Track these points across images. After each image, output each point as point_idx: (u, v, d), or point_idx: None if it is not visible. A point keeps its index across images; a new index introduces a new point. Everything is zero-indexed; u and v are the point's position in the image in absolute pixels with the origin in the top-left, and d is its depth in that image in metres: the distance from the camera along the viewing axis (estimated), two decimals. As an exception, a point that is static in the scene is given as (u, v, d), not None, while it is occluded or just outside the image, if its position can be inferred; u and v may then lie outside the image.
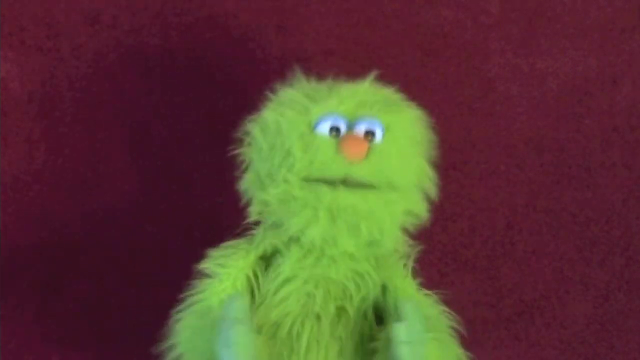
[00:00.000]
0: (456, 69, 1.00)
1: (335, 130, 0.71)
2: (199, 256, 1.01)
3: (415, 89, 1.00)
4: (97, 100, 0.99)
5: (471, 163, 1.00)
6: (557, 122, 1.01)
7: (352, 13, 1.00)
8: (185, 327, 0.72)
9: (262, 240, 0.75)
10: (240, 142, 0.76)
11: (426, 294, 0.75)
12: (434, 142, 0.76)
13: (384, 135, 0.71)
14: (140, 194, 0.99)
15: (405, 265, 0.75)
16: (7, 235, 0.98)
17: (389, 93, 0.76)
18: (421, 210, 0.75)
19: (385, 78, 1.02)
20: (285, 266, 0.73)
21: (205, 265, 0.74)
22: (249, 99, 0.99)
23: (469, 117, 1.00)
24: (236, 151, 0.76)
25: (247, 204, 0.75)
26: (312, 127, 0.71)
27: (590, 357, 1.01)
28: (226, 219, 0.99)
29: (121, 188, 0.99)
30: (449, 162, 1.00)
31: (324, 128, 0.70)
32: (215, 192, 0.99)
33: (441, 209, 1.00)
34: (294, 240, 0.73)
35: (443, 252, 1.00)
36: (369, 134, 0.71)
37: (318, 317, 0.72)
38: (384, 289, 0.74)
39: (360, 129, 0.71)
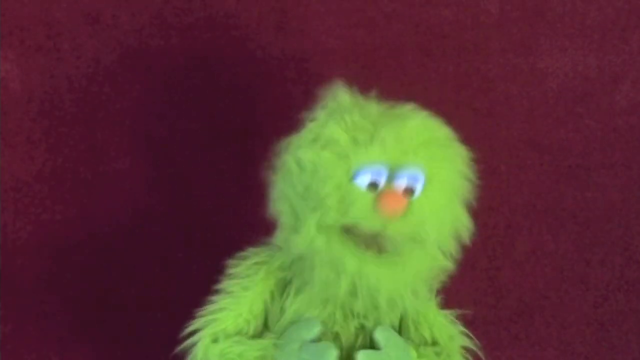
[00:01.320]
0: (456, 69, 1.00)
1: (373, 184, 0.68)
2: (199, 256, 1.01)
3: (415, 89, 1.01)
4: (97, 100, 0.99)
5: (471, 163, 1.00)
6: (557, 122, 1.01)
7: (352, 13, 1.00)
8: (213, 351, 0.71)
9: (282, 264, 0.73)
10: (272, 166, 0.72)
11: (445, 315, 0.75)
12: (473, 182, 0.74)
13: (424, 187, 0.69)
14: (140, 194, 0.99)
15: (428, 287, 0.74)
16: (7, 235, 0.98)
17: (435, 132, 0.73)
18: (445, 263, 0.73)
19: (385, 78, 1.02)
20: (305, 295, 0.72)
21: (225, 285, 0.73)
22: (249, 99, 1.00)
23: (469, 117, 1.00)
24: (267, 174, 0.72)
25: (275, 227, 0.72)
26: (351, 177, 0.67)
27: (590, 357, 1.01)
28: (226, 219, 0.99)
29: (121, 188, 0.99)
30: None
31: (363, 181, 0.67)
32: (215, 192, 0.99)
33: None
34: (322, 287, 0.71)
35: (443, 252, 1.00)
36: (409, 190, 0.68)
37: (337, 336, 0.71)
38: (403, 314, 0.74)
39: (401, 183, 0.68)
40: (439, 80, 1.00)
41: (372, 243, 0.68)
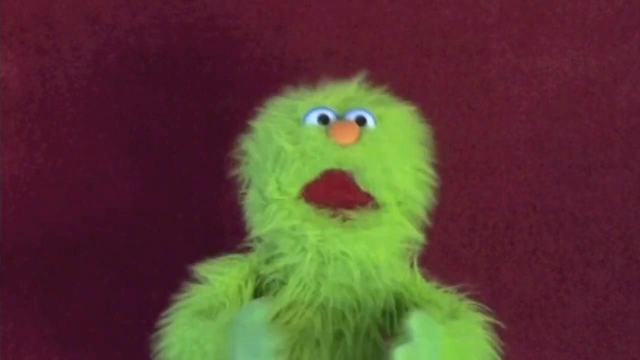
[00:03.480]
0: (456, 69, 1.00)
1: (324, 119, 0.69)
2: (199, 256, 1.01)
3: (415, 89, 1.01)
4: (97, 100, 0.99)
5: (471, 163, 1.00)
6: (557, 122, 1.01)
7: (352, 13, 1.00)
8: (178, 329, 0.71)
9: (257, 255, 0.74)
10: (237, 162, 0.74)
11: (446, 292, 0.73)
12: (430, 143, 0.74)
13: (376, 124, 0.69)
14: (140, 194, 0.99)
15: (415, 269, 0.74)
16: (7, 235, 0.98)
17: (379, 93, 0.74)
18: (418, 234, 0.72)
19: (385, 78, 1.02)
20: (285, 295, 0.71)
21: (200, 271, 0.73)
22: (248, 99, 1.00)
23: (469, 117, 1.00)
24: (235, 172, 0.75)
25: (247, 223, 0.73)
26: (301, 122, 0.69)
27: (590, 357, 1.01)
28: (226, 219, 0.99)
29: (121, 188, 0.99)
30: (449, 162, 1.00)
31: (312, 119, 0.68)
32: (215, 192, 0.99)
33: (441, 209, 1.01)
34: (290, 269, 0.71)
35: (443, 252, 1.00)
36: (360, 120, 0.69)
37: (317, 343, 0.70)
38: (398, 298, 0.73)
39: (350, 116, 0.69)
40: (439, 80, 1.00)
41: (335, 213, 0.68)
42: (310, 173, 0.68)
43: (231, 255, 0.75)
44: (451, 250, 1.00)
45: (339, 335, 0.71)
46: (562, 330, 1.01)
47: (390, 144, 0.69)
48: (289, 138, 0.68)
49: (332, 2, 1.00)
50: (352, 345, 0.71)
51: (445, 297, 0.73)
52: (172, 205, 0.99)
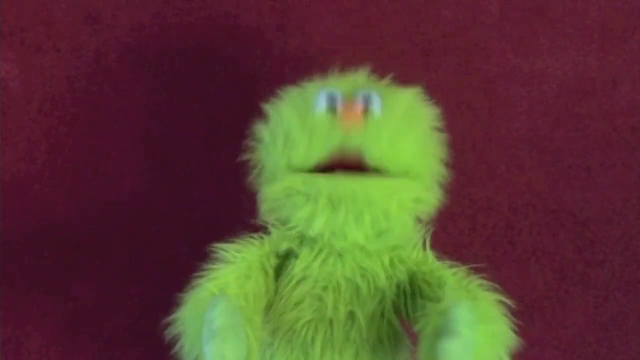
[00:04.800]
0: (456, 69, 1.00)
1: (332, 106, 0.70)
2: (200, 255, 1.01)
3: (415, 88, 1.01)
4: (97, 100, 0.99)
5: (471, 163, 1.00)
6: (557, 122, 1.01)
7: (352, 13, 1.00)
8: (188, 307, 0.70)
9: (275, 236, 0.75)
10: (250, 149, 0.77)
11: (455, 272, 0.73)
12: (439, 121, 0.76)
13: (383, 107, 0.70)
14: (140, 194, 0.99)
15: (427, 247, 0.75)
16: (7, 235, 0.98)
17: (385, 83, 0.77)
18: (430, 197, 0.74)
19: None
20: (297, 268, 0.72)
21: (220, 250, 0.74)
22: (249, 99, 1.00)
23: (469, 117, 1.00)
24: (247, 157, 0.77)
25: (260, 203, 0.74)
26: (311, 106, 0.71)
27: (590, 357, 1.01)
28: (226, 219, 0.99)
29: (121, 188, 0.99)
30: (449, 162, 1.00)
31: (321, 104, 0.70)
32: (215, 192, 0.99)
33: (441, 209, 1.01)
34: (306, 240, 0.73)
35: (443, 252, 1.00)
36: (367, 100, 0.70)
37: (330, 322, 0.71)
38: (411, 277, 0.73)
39: (358, 100, 0.70)
40: (439, 80, 1.00)
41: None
42: (319, 152, 0.69)
43: (246, 238, 0.75)
44: (451, 250, 1.00)
45: (351, 316, 0.71)
46: (562, 330, 1.01)
47: (396, 122, 0.70)
48: (298, 122, 0.70)
49: (332, 2, 1.00)
50: (365, 326, 0.71)
51: (456, 276, 0.73)
52: (172, 205, 0.99)
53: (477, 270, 0.74)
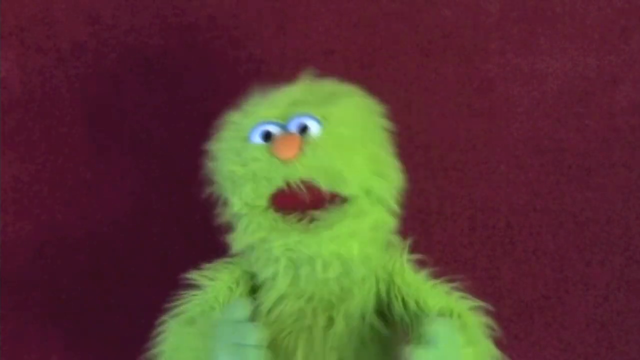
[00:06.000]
0: (456, 69, 1.00)
1: (267, 136, 0.68)
2: (199, 256, 1.01)
3: (415, 89, 1.01)
4: (97, 100, 0.99)
5: (471, 163, 1.00)
6: (557, 122, 1.01)
7: (352, 13, 1.00)
8: (170, 336, 0.72)
9: (248, 260, 0.74)
10: (209, 182, 0.75)
11: (434, 285, 0.73)
12: (389, 128, 0.73)
13: (322, 128, 0.68)
14: (141, 194, 0.99)
15: (402, 259, 0.73)
16: (7, 235, 0.98)
17: (329, 87, 0.73)
18: (388, 220, 0.71)
19: (385, 78, 1.02)
20: (274, 291, 0.72)
21: (193, 277, 0.74)
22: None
23: (469, 117, 1.00)
24: (208, 191, 0.75)
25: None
26: (247, 140, 0.69)
27: (590, 357, 1.01)
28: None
29: (121, 188, 0.99)
30: (449, 162, 1.00)
31: (256, 136, 0.68)
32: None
33: (441, 209, 1.01)
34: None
35: (443, 252, 1.00)
36: (303, 130, 0.68)
37: (310, 330, 0.71)
38: (389, 285, 0.73)
39: (293, 127, 0.68)
40: (439, 80, 1.00)
41: (304, 216, 0.68)
42: (267, 189, 0.68)
43: (225, 259, 0.75)
44: (451, 250, 1.00)
45: (330, 322, 0.71)
46: (562, 330, 1.01)
47: (335, 146, 0.68)
48: (238, 160, 0.69)
49: (332, 2, 1.00)
50: (346, 331, 0.71)
51: (435, 293, 0.72)
52: (172, 205, 0.99)
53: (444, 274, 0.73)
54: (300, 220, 0.68)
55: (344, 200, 0.68)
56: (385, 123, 0.73)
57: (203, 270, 0.74)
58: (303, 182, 0.67)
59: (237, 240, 0.71)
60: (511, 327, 1.00)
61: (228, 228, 0.73)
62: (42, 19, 0.99)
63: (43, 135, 0.99)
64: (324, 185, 0.67)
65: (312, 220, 0.68)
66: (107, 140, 0.99)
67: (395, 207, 0.72)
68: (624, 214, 1.01)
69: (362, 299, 0.72)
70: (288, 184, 0.67)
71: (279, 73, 0.99)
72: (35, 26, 0.98)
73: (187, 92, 0.99)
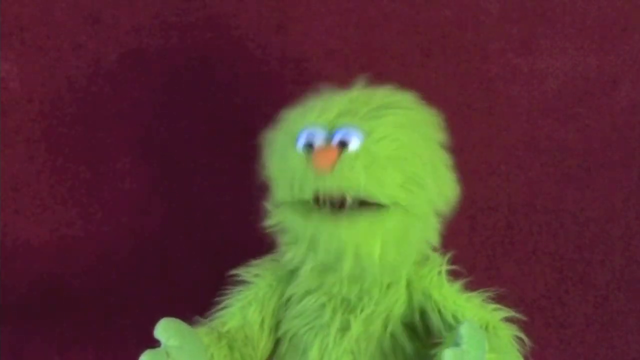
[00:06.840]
0: (456, 69, 1.00)
1: (310, 144, 0.69)
2: (199, 256, 1.01)
3: (415, 89, 1.01)
4: (97, 100, 0.99)
5: (471, 163, 1.00)
6: (557, 122, 1.01)
7: (352, 13, 1.00)
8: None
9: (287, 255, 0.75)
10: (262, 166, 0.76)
11: (469, 297, 0.74)
12: (444, 141, 0.75)
13: (361, 144, 0.68)
14: (140, 194, 0.99)
15: (439, 272, 0.75)
16: (7, 235, 0.98)
17: (383, 96, 0.73)
18: (425, 226, 0.73)
19: (385, 78, 1.02)
20: (299, 284, 0.74)
21: (239, 272, 0.78)
22: (249, 99, 1.00)
23: (469, 117, 1.00)
24: (260, 175, 0.76)
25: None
26: (294, 143, 0.70)
27: (590, 357, 1.01)
28: (226, 219, 0.99)
29: (121, 188, 0.99)
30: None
31: (300, 144, 0.69)
32: (215, 192, 0.99)
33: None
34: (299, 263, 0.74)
35: (443, 252, 1.00)
36: (343, 144, 0.68)
37: (327, 329, 0.72)
38: (425, 298, 0.74)
39: (337, 137, 0.68)
40: (439, 80, 1.00)
41: (340, 210, 0.68)
42: (299, 194, 0.69)
43: (272, 256, 0.78)
44: (451, 250, 1.00)
45: (347, 324, 0.72)
46: (562, 330, 1.01)
47: (369, 164, 0.68)
48: (281, 163, 0.71)
49: (332, 2, 1.00)
50: (363, 336, 0.72)
51: (471, 306, 0.74)
52: (173, 205, 0.99)
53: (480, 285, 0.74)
54: (334, 213, 0.69)
55: (372, 205, 0.69)
56: (439, 134, 0.74)
57: (249, 267, 0.78)
58: (331, 195, 0.68)
59: (271, 219, 0.74)
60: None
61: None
62: (42, 19, 0.99)
63: (43, 135, 0.98)
64: (353, 197, 0.68)
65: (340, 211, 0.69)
66: (107, 140, 0.99)
67: (433, 221, 0.73)
68: (624, 214, 1.01)
69: (385, 306, 0.72)
70: (317, 196, 0.68)
71: (279, 73, 0.99)
72: (35, 26, 0.98)
73: (187, 92, 0.99)
